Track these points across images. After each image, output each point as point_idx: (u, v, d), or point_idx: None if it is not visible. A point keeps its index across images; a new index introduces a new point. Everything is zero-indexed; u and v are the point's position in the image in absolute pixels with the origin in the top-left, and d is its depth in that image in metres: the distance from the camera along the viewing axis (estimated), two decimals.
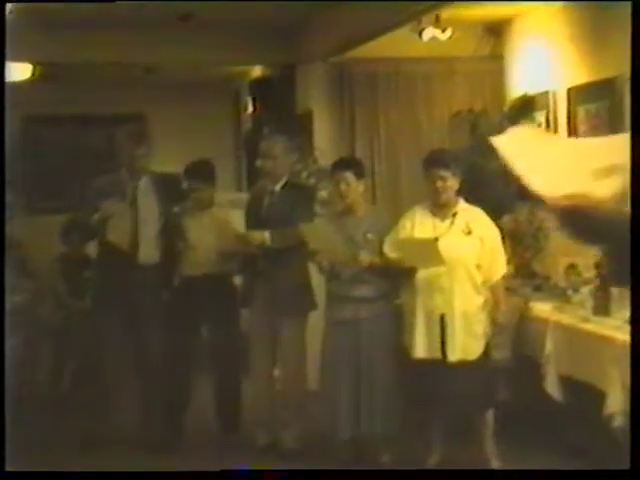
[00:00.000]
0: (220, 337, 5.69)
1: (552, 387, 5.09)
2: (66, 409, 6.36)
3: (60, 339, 6.90)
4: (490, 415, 5.03)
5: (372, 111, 8.08)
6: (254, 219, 5.52)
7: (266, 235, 5.34)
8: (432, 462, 5.03)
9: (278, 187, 5.50)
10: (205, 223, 5.64)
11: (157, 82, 9.67)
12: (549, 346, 5.11)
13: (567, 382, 5.01)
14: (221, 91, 10.35)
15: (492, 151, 7.16)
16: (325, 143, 7.95)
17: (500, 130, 7.19)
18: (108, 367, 5.73)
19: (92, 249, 6.27)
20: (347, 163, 5.38)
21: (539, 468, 4.67)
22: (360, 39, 7.31)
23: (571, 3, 6.30)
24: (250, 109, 9.47)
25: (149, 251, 5.63)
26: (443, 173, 4.92)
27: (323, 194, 7.38)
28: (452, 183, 4.94)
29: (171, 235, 5.65)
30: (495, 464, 4.98)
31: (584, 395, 4.82)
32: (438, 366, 4.87)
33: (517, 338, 5.39)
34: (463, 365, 4.86)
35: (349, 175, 5.18)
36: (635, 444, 1.24)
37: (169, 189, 5.73)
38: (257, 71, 9.50)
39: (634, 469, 1.26)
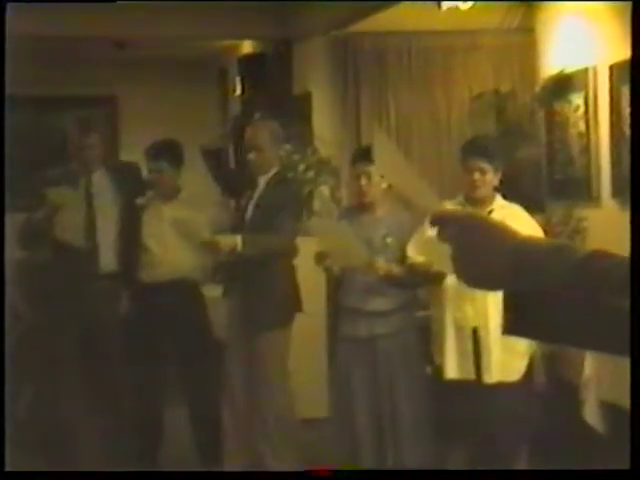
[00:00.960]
0: (190, 357, 5.66)
1: (592, 415, 5.06)
2: (20, 445, 6.30)
3: (15, 360, 6.84)
4: (524, 449, 4.99)
5: (381, 93, 8.05)
6: (229, 220, 5.50)
7: (238, 241, 5.28)
8: None
9: (263, 182, 5.46)
10: (167, 217, 5.62)
11: (129, 59, 9.65)
12: (588, 368, 5.07)
13: (609, 410, 4.97)
14: (205, 70, 10.37)
15: (521, 139, 7.15)
16: (326, 130, 7.94)
17: (531, 114, 7.18)
18: (66, 397, 5.72)
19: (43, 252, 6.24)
20: (366, 155, 5.25)
21: None
22: (368, 9, 7.28)
23: None
24: (239, 91, 9.47)
25: (109, 254, 5.62)
26: (484, 165, 4.86)
27: (324, 190, 7.35)
28: (491, 178, 4.89)
29: (133, 234, 5.64)
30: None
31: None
32: (473, 389, 4.81)
33: (551, 358, 5.36)
34: (503, 387, 4.80)
35: (372, 169, 5.08)
36: (635, 444, 1.32)
37: (130, 180, 5.75)
38: (247, 47, 9.51)
39: (634, 469, 1.41)
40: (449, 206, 4.97)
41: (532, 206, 6.71)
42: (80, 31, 8.08)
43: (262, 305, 5.33)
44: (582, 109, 6.54)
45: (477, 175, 4.85)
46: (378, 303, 5.12)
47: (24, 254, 6.91)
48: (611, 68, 6.31)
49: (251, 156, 5.45)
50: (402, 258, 5.03)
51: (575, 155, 6.65)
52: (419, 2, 6.92)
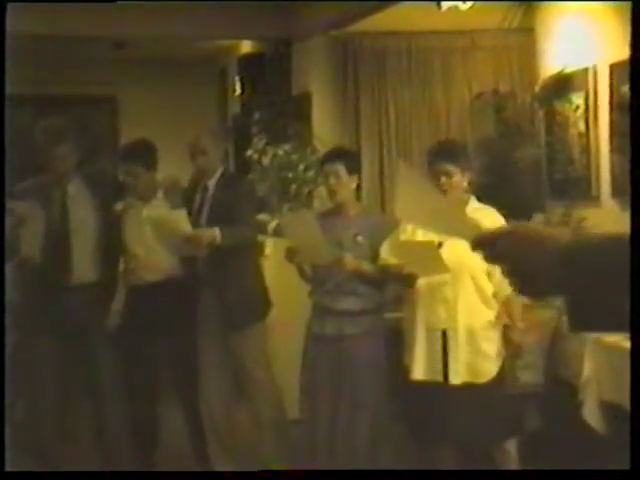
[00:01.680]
0: (179, 357, 5.66)
1: (592, 415, 5.05)
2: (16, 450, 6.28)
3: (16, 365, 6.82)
4: (512, 446, 4.99)
5: (381, 93, 8.04)
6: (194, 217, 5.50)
7: (217, 232, 5.26)
8: None
9: (212, 185, 5.50)
10: (147, 219, 5.59)
11: (129, 59, 9.65)
12: (588, 367, 5.06)
13: (609, 409, 4.96)
14: (204, 70, 10.37)
15: (521, 139, 7.14)
16: (325, 131, 7.93)
17: (531, 114, 7.17)
18: (57, 405, 5.69)
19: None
20: (338, 154, 5.36)
21: None
22: (367, 10, 7.27)
23: None
24: (238, 91, 9.47)
25: (85, 267, 5.54)
26: (448, 167, 4.87)
27: (323, 190, 7.35)
28: (459, 180, 4.89)
29: (113, 241, 5.60)
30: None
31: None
32: (440, 390, 4.83)
33: (550, 358, 5.35)
34: (471, 389, 4.82)
35: (340, 168, 5.17)
36: (635, 444, 1.28)
37: (107, 186, 5.69)
38: (247, 46, 9.50)
39: (634, 469, 1.46)
40: None
41: (532, 205, 6.73)
42: (80, 31, 8.06)
43: (237, 301, 5.40)
44: (582, 109, 6.52)
45: (443, 179, 4.86)
46: (348, 303, 5.14)
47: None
48: (611, 68, 6.30)
49: (198, 161, 5.48)
50: (373, 257, 5.06)
51: (575, 155, 6.64)
52: (419, 2, 6.91)
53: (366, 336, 5.15)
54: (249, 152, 8.47)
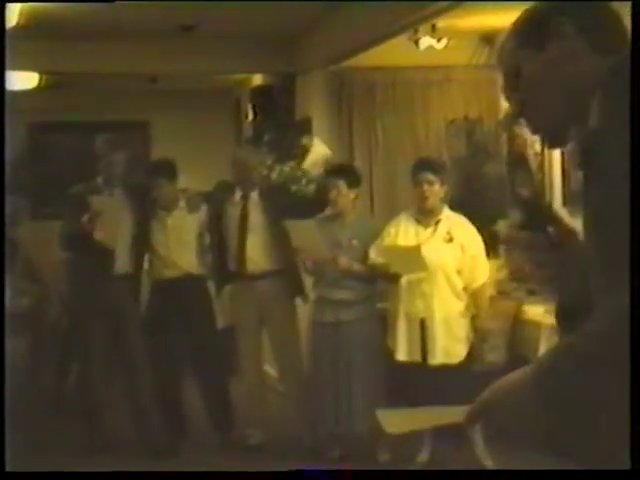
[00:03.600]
0: (199, 338, 5.67)
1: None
2: (70, 412, 6.32)
3: (67, 342, 6.86)
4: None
5: (370, 118, 8.05)
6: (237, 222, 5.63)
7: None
8: (422, 460, 5.01)
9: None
10: (169, 225, 5.66)
11: (161, 91, 9.65)
12: (543, 349, 5.08)
13: None
14: (223, 99, 10.33)
15: (487, 158, 7.16)
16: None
17: (496, 137, 7.19)
18: (98, 374, 5.71)
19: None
20: (340, 171, 5.40)
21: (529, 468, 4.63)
22: (358, 48, 7.29)
23: None
24: (251, 117, 9.45)
25: (122, 260, 5.61)
26: (431, 177, 4.91)
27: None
28: (438, 189, 4.94)
29: (143, 242, 5.67)
30: (488, 464, 4.96)
31: None
32: (420, 369, 4.85)
33: (512, 341, 5.37)
34: (446, 368, 4.84)
35: (341, 183, 5.21)
36: (635, 444, 1.21)
37: (140, 196, 5.75)
38: (258, 79, 9.48)
39: (634, 469, 1.26)
40: (404, 217, 5.05)
41: (496, 213, 6.75)
42: (122, 68, 8.11)
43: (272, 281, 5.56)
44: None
45: (425, 186, 4.91)
46: (343, 294, 5.16)
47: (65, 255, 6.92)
48: None
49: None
50: (364, 257, 5.10)
51: (532, 171, 6.66)
52: (401, 41, 6.92)
53: (360, 322, 5.17)
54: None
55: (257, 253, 5.53)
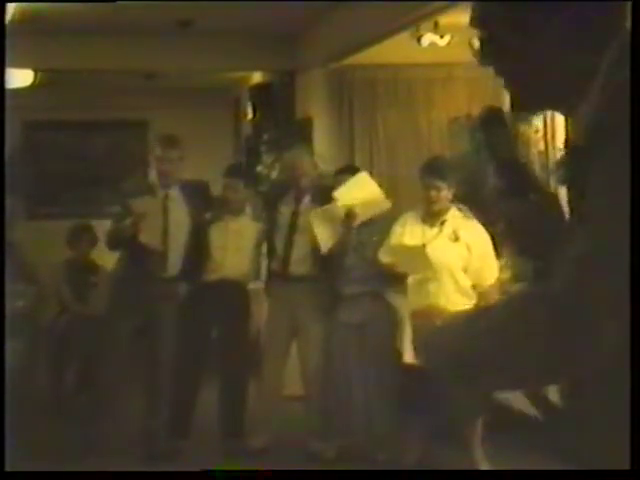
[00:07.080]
0: (231, 342, 5.67)
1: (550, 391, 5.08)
2: (67, 413, 6.34)
3: (63, 344, 6.88)
4: (478, 421, 5.02)
5: (371, 117, 8.06)
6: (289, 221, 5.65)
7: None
8: (411, 461, 5.04)
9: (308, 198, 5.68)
10: (231, 230, 5.61)
11: (158, 88, 9.68)
12: None
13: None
14: (221, 97, 10.36)
15: (491, 156, 7.15)
16: (325, 149, 7.95)
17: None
18: (115, 369, 5.66)
19: (98, 254, 6.18)
20: (348, 170, 5.45)
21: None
22: (359, 45, 7.30)
23: None
24: (250, 115, 9.47)
25: (173, 262, 5.54)
26: (438, 183, 4.94)
27: None
28: (446, 193, 4.96)
29: (198, 243, 5.58)
30: (484, 466, 4.98)
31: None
32: (423, 371, 4.85)
33: None
34: None
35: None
36: (635, 444, 1.23)
37: (199, 196, 5.64)
38: (257, 77, 9.50)
39: (634, 469, 1.26)
40: (411, 216, 5.10)
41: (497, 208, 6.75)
42: (117, 64, 8.13)
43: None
44: (541, 131, 6.57)
45: (433, 192, 4.94)
46: (354, 289, 5.23)
47: (74, 255, 6.93)
48: None
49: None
50: (373, 255, 5.18)
51: (536, 169, 6.67)
52: (403, 38, 6.94)
53: (372, 319, 5.22)
54: (259, 168, 8.48)
55: (302, 255, 5.55)
